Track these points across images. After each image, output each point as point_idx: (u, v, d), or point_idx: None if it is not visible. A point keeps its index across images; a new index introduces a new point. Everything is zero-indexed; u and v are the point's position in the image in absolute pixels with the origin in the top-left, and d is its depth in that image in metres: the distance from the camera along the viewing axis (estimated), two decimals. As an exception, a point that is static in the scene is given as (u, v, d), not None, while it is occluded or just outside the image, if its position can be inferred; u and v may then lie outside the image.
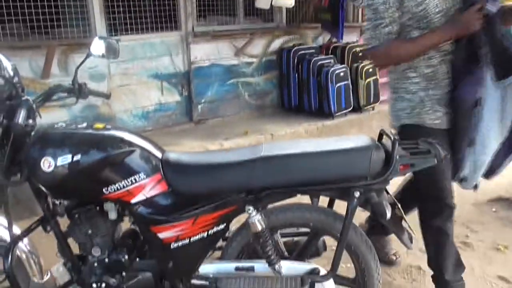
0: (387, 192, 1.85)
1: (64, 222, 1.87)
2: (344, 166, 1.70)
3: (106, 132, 1.79)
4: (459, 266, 2.31)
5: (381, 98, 5.61)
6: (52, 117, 3.06)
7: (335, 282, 1.87)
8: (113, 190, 1.72)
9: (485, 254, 2.82)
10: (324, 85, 5.07)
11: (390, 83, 2.25)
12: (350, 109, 5.28)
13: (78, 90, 1.96)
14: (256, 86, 5.52)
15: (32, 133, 1.76)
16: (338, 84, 5.07)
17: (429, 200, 2.21)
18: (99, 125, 1.83)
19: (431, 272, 2.62)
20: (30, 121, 1.76)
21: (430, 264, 2.35)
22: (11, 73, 1.76)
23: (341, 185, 1.72)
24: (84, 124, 1.83)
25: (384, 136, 1.82)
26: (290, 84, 5.40)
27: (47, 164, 1.68)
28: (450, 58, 2.03)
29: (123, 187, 1.73)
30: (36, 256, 2.04)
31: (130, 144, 1.77)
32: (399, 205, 1.82)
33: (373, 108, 5.53)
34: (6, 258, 1.78)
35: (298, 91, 5.37)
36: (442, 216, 2.21)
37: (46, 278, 1.99)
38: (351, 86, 5.24)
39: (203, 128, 5.01)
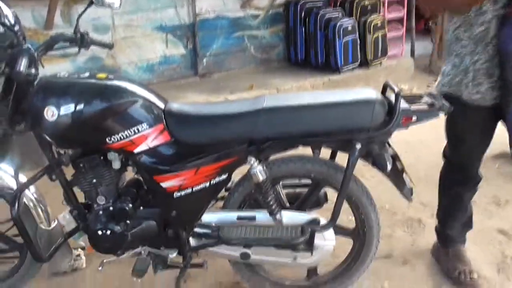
0: (389, 145, 1.85)
1: (69, 171, 1.90)
2: (346, 118, 1.70)
3: (109, 82, 1.79)
4: (467, 226, 2.33)
5: (389, 53, 5.53)
6: (56, 68, 3.04)
7: (335, 233, 1.91)
8: (116, 140, 1.74)
9: (485, 208, 2.84)
10: (331, 39, 4.98)
11: (445, 45, 2.13)
12: (357, 64, 5.21)
13: (80, 40, 1.94)
14: (262, 40, 5.43)
15: (35, 83, 1.76)
16: (346, 38, 4.98)
17: (455, 167, 2.20)
18: (102, 75, 1.83)
19: (432, 225, 2.66)
20: (33, 70, 1.75)
21: (437, 215, 2.36)
22: (12, 21, 1.74)
23: (343, 136, 1.72)
24: (87, 74, 1.83)
25: (388, 89, 1.81)
26: (297, 38, 5.31)
27: (50, 113, 1.69)
28: (503, 13, 1.81)
29: (126, 137, 1.74)
30: (43, 204, 2.09)
31: (133, 94, 1.77)
32: (399, 157, 1.82)
33: (380, 63, 5.45)
34: (13, 205, 1.82)
35: (305, 45, 5.29)
36: (464, 186, 2.20)
37: (53, 225, 2.05)
38: (358, 41, 5.15)
39: (208, 82, 4.98)
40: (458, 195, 2.24)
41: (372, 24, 5.19)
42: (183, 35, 4.94)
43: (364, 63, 5.32)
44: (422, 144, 3.77)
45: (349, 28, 5.01)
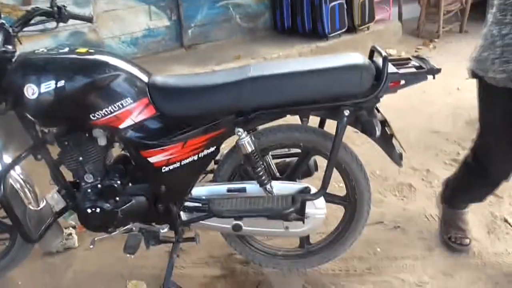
0: (378, 110, 1.83)
1: (55, 150, 1.87)
2: (333, 85, 1.66)
3: (90, 57, 1.73)
4: (475, 201, 2.22)
5: (376, 17, 5.45)
6: (37, 46, 2.96)
7: (326, 201, 1.90)
8: (100, 116, 1.70)
9: (475, 170, 2.86)
10: (318, 5, 4.91)
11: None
12: (344, 29, 5.15)
13: (57, 13, 1.88)
14: (247, 8, 5.33)
15: (13, 60, 1.70)
16: (332, 3, 4.91)
17: (482, 171, 2.01)
18: (82, 50, 1.77)
19: (422, 190, 2.68)
20: (10, 46, 1.70)
21: (446, 183, 2.27)
22: (-15, -3, 1.67)
23: (330, 104, 1.69)
24: (67, 49, 1.77)
25: (375, 53, 1.77)
26: (283, 4, 5.22)
27: (30, 91, 1.64)
28: None
29: (110, 112, 1.70)
30: (31, 185, 2.05)
31: (115, 68, 1.72)
32: (389, 123, 1.80)
33: (368, 28, 5.38)
34: (-2, 187, 1.79)
35: (291, 12, 5.20)
36: (482, 183, 2.06)
37: (42, 205, 2.02)
38: (345, 5, 5.07)
39: (194, 54, 4.91)
40: (479, 192, 2.13)
41: (359, -13, 5.10)
42: (166, 6, 4.83)
43: (352, 29, 5.25)
44: (412, 110, 3.77)
45: (336, -8, 4.92)
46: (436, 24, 5.84)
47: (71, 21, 1.96)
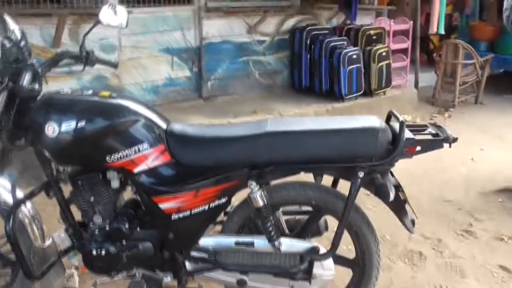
0: (392, 175, 1.82)
1: (67, 189, 1.88)
2: (349, 146, 1.68)
3: (112, 101, 1.78)
4: None
5: (393, 83, 5.55)
6: (61, 86, 3.05)
7: (335, 262, 1.86)
8: (116, 158, 1.72)
9: (487, 243, 2.80)
10: (336, 67, 5.01)
11: None
12: (361, 92, 5.23)
13: (85, 57, 1.95)
14: (267, 65, 5.47)
15: (38, 98, 1.76)
16: (350, 67, 5.01)
17: None
18: (105, 93, 1.83)
19: (432, 258, 2.62)
20: (36, 85, 1.75)
21: None
22: (18, 36, 1.74)
23: (345, 164, 1.70)
24: (90, 91, 1.82)
25: (392, 118, 1.79)
26: (302, 64, 5.34)
27: (51, 129, 1.68)
28: None
29: (126, 156, 1.72)
30: (39, 221, 2.05)
31: (135, 113, 1.76)
32: (403, 188, 1.79)
33: (384, 93, 5.46)
34: (8, 221, 1.79)
35: (309, 72, 5.31)
36: None
37: (47, 243, 2.01)
38: (363, 70, 5.17)
39: (212, 105, 4.99)
40: None
41: (377, 53, 5.23)
42: (189, 58, 4.98)
43: (368, 92, 5.33)
44: (425, 177, 3.75)
45: (354, 56, 5.04)
46: (452, 94, 5.92)
47: (95, 66, 2.02)
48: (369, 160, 1.69)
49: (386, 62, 5.33)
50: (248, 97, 5.32)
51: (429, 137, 1.72)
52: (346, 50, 4.98)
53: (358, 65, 5.10)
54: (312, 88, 5.33)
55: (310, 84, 5.35)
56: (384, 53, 5.30)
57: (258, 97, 5.34)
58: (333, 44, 5.10)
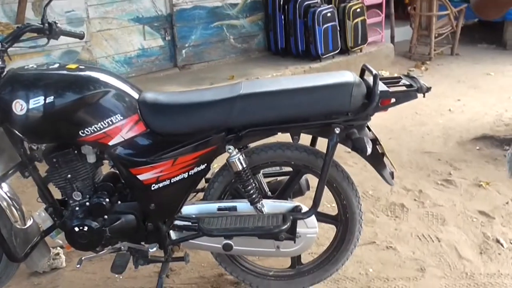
0: (369, 128, 1.83)
1: (43, 168, 1.84)
2: (324, 102, 1.67)
3: (80, 73, 1.73)
4: None
5: (369, 39, 5.51)
6: (31, 63, 2.96)
7: (318, 220, 1.88)
8: (89, 132, 1.68)
9: (466, 190, 2.86)
10: (311, 27, 4.93)
11: None
12: (337, 51, 5.18)
13: (48, 30, 1.87)
14: (241, 29, 5.37)
15: (2, 75, 1.70)
16: (325, 26, 4.94)
17: None
18: (72, 66, 1.77)
19: (414, 210, 2.67)
20: (-2, 62, 1.69)
21: None
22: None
23: (321, 121, 1.69)
24: (56, 65, 1.77)
25: (366, 72, 1.78)
26: (276, 26, 5.25)
27: (19, 107, 1.63)
28: None
29: (100, 129, 1.68)
30: (17, 203, 2.02)
31: (105, 84, 1.71)
32: (380, 141, 1.80)
33: (360, 50, 5.43)
34: (-16, 205, 1.76)
35: (285, 33, 5.23)
36: None
37: (29, 223, 1.99)
38: (338, 27, 5.11)
39: (188, 74, 4.92)
40: None
41: (352, 10, 5.16)
42: (160, 26, 4.86)
43: (345, 50, 5.28)
44: (404, 131, 3.78)
45: (329, 14, 4.97)
46: (428, 47, 5.91)
47: (64, 40, 1.96)
48: (344, 115, 1.68)
49: (361, 18, 5.27)
50: (224, 62, 5.25)
51: (403, 88, 1.72)
52: (320, 9, 4.90)
53: (333, 23, 5.04)
54: (288, 49, 5.26)
55: (286, 46, 5.28)
56: (358, 9, 5.23)
57: (234, 62, 5.28)
58: (306, 3, 5.01)
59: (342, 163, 1.92)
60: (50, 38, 1.90)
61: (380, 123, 3.75)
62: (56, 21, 1.91)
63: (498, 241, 2.37)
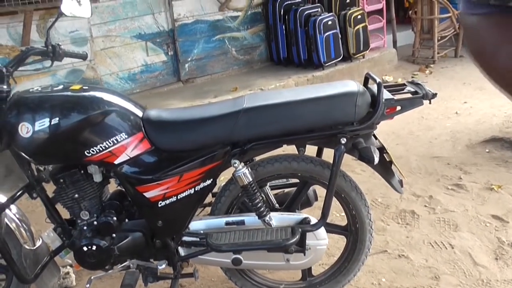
0: (375, 137, 1.81)
1: (51, 188, 1.84)
2: (328, 113, 1.66)
3: (83, 93, 1.74)
4: None
5: (371, 45, 5.51)
6: (36, 84, 2.98)
7: (327, 231, 1.86)
8: (95, 152, 1.68)
9: (478, 194, 2.82)
10: (312, 36, 4.95)
11: None
12: (339, 58, 5.19)
13: (52, 52, 1.89)
14: (243, 41, 5.40)
15: (8, 99, 1.70)
16: (327, 33, 4.96)
17: None
18: (76, 87, 1.78)
19: (425, 216, 2.63)
20: (4, 86, 1.70)
21: None
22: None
23: (326, 132, 1.68)
24: (60, 87, 1.77)
25: (370, 80, 1.77)
26: (278, 36, 5.28)
27: (25, 129, 1.64)
28: None
29: (105, 148, 1.69)
30: (26, 224, 2.02)
31: (109, 104, 1.72)
32: (387, 149, 1.78)
33: (363, 56, 5.43)
34: (-7, 227, 1.76)
35: (286, 43, 5.26)
36: None
37: (38, 244, 1.98)
38: (339, 35, 5.12)
39: (192, 87, 4.93)
40: None
41: (352, 17, 5.17)
42: (163, 42, 4.89)
43: (347, 58, 5.30)
44: (411, 136, 3.75)
45: (330, 22, 4.98)
46: (431, 50, 5.90)
47: (69, 59, 1.98)
48: (350, 125, 1.67)
49: (362, 24, 5.29)
50: (227, 75, 5.27)
51: (408, 95, 1.71)
52: (321, 17, 4.92)
53: (334, 30, 5.05)
54: (290, 59, 5.28)
55: (288, 56, 5.30)
56: (359, 16, 5.24)
57: (237, 74, 5.30)
58: (307, 12, 5.04)
59: (349, 171, 1.92)
60: (54, 60, 1.91)
61: (386, 129, 3.73)
62: (60, 43, 1.93)
63: (512, 245, 2.34)
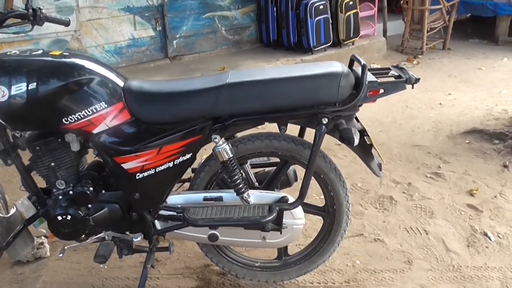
0: (357, 120, 1.81)
1: (27, 156, 1.81)
2: (312, 92, 1.64)
3: (63, 59, 1.69)
4: None
5: (361, 32, 5.50)
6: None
7: (304, 211, 1.86)
8: (73, 120, 1.65)
9: (455, 184, 2.85)
10: (303, 19, 4.92)
11: None
12: (329, 44, 5.17)
13: (32, 15, 1.83)
14: (233, 21, 5.34)
15: (-17, 61, 1.66)
16: (317, 18, 4.93)
17: None
18: (56, 52, 1.73)
19: (403, 203, 2.66)
20: (-20, 48, 1.65)
21: None
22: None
23: (308, 111, 1.67)
24: (40, 51, 1.73)
25: (355, 62, 1.76)
26: (268, 18, 5.23)
27: (0, 93, 1.60)
28: None
29: (84, 117, 1.65)
30: (1, 192, 2.00)
31: (90, 71, 1.68)
32: (368, 133, 1.78)
33: (352, 43, 5.42)
34: (-36, 193, 1.73)
35: (277, 25, 5.22)
36: None
37: (11, 212, 1.96)
38: (330, 20, 5.10)
39: (179, 64, 4.88)
40: None
41: (344, 3, 5.14)
42: (151, 16, 4.82)
43: (337, 43, 5.28)
44: (394, 124, 3.77)
45: (321, 7, 4.95)
46: (420, 41, 5.91)
47: (54, 29, 1.92)
48: (332, 106, 1.66)
49: (354, 11, 5.26)
50: (216, 54, 5.22)
51: (392, 79, 1.70)
52: (313, 1, 4.89)
53: (325, 15, 5.02)
54: (280, 41, 5.25)
55: (278, 38, 5.27)
56: (351, 2, 5.21)
57: (225, 54, 5.25)
58: (299, -6, 4.99)
59: (332, 156, 1.91)
60: (34, 24, 1.85)
61: (370, 116, 3.74)
62: (41, 7, 1.87)
63: (485, 234, 2.37)
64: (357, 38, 5.43)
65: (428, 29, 5.86)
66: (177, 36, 4.99)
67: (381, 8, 5.97)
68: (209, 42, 5.22)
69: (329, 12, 5.07)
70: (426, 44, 5.90)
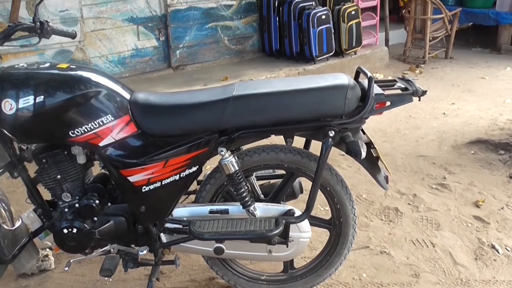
0: (363, 132, 1.80)
1: (33, 168, 1.81)
2: (318, 105, 1.64)
3: (70, 72, 1.70)
4: None
5: (364, 42, 5.50)
6: (23, 62, 2.93)
7: (311, 224, 1.86)
8: (79, 133, 1.65)
9: (461, 195, 2.84)
10: (305, 29, 4.93)
11: None
12: (331, 53, 5.17)
13: (39, 28, 1.85)
14: (236, 30, 5.35)
15: (-9, 75, 1.66)
16: (320, 28, 4.93)
17: None
18: (63, 65, 1.74)
19: (408, 214, 2.65)
20: (-13, 61, 1.66)
21: None
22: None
23: (315, 124, 1.67)
24: (47, 64, 1.74)
25: (361, 74, 1.76)
26: (271, 28, 5.24)
27: (8, 106, 1.60)
28: None
29: (90, 129, 1.66)
30: (6, 204, 1.98)
31: (96, 84, 1.68)
32: (375, 145, 1.78)
33: (355, 53, 5.42)
34: (-29, 205, 1.72)
35: (279, 35, 5.22)
36: None
37: (17, 224, 1.95)
38: (333, 30, 5.11)
39: (182, 74, 4.89)
40: None
41: (346, 12, 5.15)
42: (155, 26, 4.83)
43: (339, 53, 5.28)
44: (399, 134, 3.76)
45: (323, 17, 4.96)
46: (422, 50, 5.92)
47: (58, 40, 1.94)
48: (339, 118, 1.66)
49: (356, 21, 5.27)
50: (218, 64, 5.23)
51: (398, 91, 1.70)
52: (315, 11, 4.89)
53: (328, 25, 5.03)
54: (282, 51, 5.25)
55: (280, 48, 5.27)
56: (353, 12, 5.22)
57: (228, 64, 5.26)
58: (301, 5, 5.00)
59: (336, 166, 1.91)
60: (41, 37, 1.87)
61: (374, 126, 3.74)
62: (48, 20, 1.89)
63: (493, 247, 2.35)
64: (359, 48, 5.44)
65: (431, 38, 5.87)
66: (180, 46, 5.00)
67: (383, 18, 5.99)
68: (212, 52, 5.23)
69: (331, 21, 5.07)
70: (429, 53, 5.91)
